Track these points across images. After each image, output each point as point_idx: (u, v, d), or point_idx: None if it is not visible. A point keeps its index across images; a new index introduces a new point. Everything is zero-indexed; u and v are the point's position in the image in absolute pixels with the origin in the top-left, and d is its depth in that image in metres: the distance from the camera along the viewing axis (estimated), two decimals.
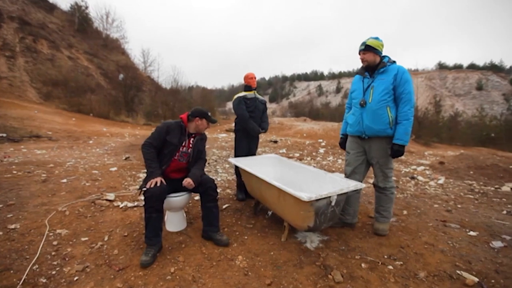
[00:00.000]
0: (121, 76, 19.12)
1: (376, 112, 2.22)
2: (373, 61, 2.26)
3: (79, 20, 21.57)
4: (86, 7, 22.55)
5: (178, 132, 2.25)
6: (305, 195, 1.81)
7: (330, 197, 1.94)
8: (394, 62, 2.29)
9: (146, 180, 2.09)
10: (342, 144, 2.67)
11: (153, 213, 1.98)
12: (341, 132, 2.69)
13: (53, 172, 4.01)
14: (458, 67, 73.17)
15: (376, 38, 2.25)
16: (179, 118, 2.35)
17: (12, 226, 2.26)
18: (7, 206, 2.66)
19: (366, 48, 2.24)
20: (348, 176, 2.49)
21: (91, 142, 8.09)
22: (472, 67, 70.97)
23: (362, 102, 2.31)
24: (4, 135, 7.32)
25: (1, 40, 15.42)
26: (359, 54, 2.30)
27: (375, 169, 2.39)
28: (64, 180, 3.61)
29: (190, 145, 2.33)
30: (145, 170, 2.20)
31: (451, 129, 19.54)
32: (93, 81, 18.22)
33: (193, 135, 2.36)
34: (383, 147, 2.28)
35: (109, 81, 19.48)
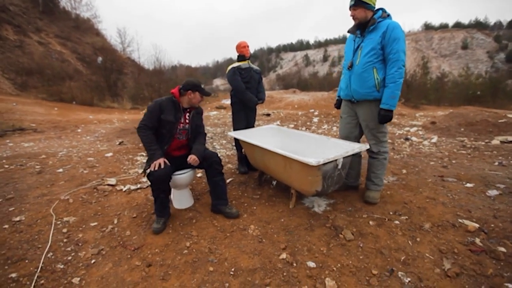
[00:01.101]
0: (99, 59, 18.07)
1: (361, 75, 2.12)
2: (365, 18, 2.07)
3: (43, 0, 19.73)
4: None
5: (172, 109, 2.13)
6: (313, 160, 1.81)
7: (336, 160, 1.96)
8: (388, 16, 2.09)
9: (148, 162, 2.04)
10: (337, 106, 2.60)
11: (160, 194, 2.03)
12: (337, 94, 2.58)
13: (47, 163, 3.88)
14: (443, 27, 72.43)
15: None
16: (170, 93, 2.20)
17: (17, 219, 2.21)
18: (7, 200, 2.59)
19: (356, 3, 2.04)
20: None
21: (79, 130, 7.81)
22: (458, 25, 70.42)
23: (349, 65, 2.22)
24: None
25: None
26: (350, 10, 2.11)
27: (366, 133, 2.31)
28: (60, 170, 3.51)
29: (187, 121, 2.24)
30: (143, 153, 2.14)
31: (439, 90, 19.77)
32: (70, 66, 17.17)
33: (188, 110, 2.25)
34: (372, 111, 2.17)
35: (87, 65, 18.41)
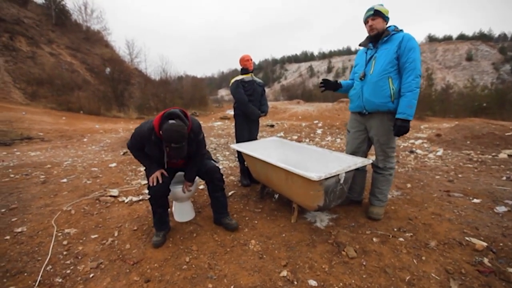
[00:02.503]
0: (107, 70, 18.50)
1: (376, 84, 2.07)
2: (382, 28, 2.08)
3: (56, 13, 20.47)
4: None
5: (155, 143, 1.88)
6: (315, 175, 1.79)
7: (338, 175, 1.94)
8: (401, 30, 2.11)
9: (147, 174, 2.03)
10: (324, 83, 2.39)
11: (158, 209, 2.03)
12: (340, 80, 2.46)
13: (52, 173, 3.92)
14: (448, 39, 72.80)
15: (381, 5, 2.08)
16: (154, 121, 1.87)
17: (19, 230, 2.21)
18: (10, 210, 2.61)
19: (376, 13, 2.05)
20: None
21: (85, 140, 7.92)
22: (462, 37, 70.69)
23: (362, 75, 2.19)
24: None
25: None
26: (367, 22, 2.11)
27: (376, 148, 2.25)
28: (64, 180, 3.54)
29: None
30: None
31: (444, 101, 19.67)
32: (79, 77, 17.61)
33: None
34: (385, 124, 2.12)
35: (95, 76, 18.85)
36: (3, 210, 2.60)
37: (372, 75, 2.10)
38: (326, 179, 1.86)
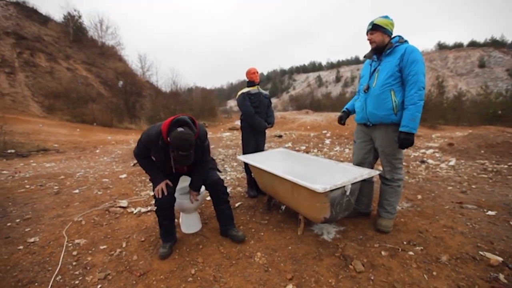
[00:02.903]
0: (120, 83, 19.18)
1: (378, 96, 2.08)
2: (382, 42, 2.08)
3: (74, 30, 21.58)
4: (79, 17, 22.51)
5: (161, 148, 1.89)
6: (320, 187, 1.79)
7: (344, 186, 1.92)
8: (406, 41, 2.10)
9: (153, 186, 2.06)
10: (340, 118, 2.55)
11: (165, 221, 2.05)
12: (343, 108, 2.56)
13: (65, 184, 4.04)
14: (458, 46, 71.80)
15: (386, 17, 2.10)
16: (162, 126, 1.87)
17: (32, 240, 2.28)
18: (24, 220, 2.70)
19: (374, 28, 2.08)
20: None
21: (97, 151, 8.15)
22: (473, 44, 69.56)
23: (365, 87, 2.21)
24: (13, 151, 7.41)
25: None
26: (367, 34, 2.14)
27: (381, 159, 2.24)
28: (76, 191, 3.64)
29: None
30: None
31: (456, 109, 19.26)
32: (93, 90, 18.30)
33: None
34: (389, 135, 2.11)
35: (109, 89, 19.55)
36: (17, 221, 2.69)
37: (375, 88, 2.11)
38: (331, 191, 1.85)
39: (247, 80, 3.17)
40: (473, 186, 3.41)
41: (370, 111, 2.16)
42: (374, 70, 2.18)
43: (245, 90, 3.11)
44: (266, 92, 3.26)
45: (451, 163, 4.72)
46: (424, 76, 1.98)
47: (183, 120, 1.84)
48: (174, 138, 1.73)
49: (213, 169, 2.30)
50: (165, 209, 2.01)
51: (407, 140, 1.97)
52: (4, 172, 5.10)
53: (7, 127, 8.74)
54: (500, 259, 1.77)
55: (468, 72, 60.20)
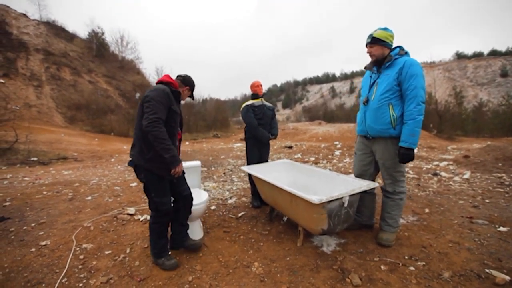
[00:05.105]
0: (137, 95, 20.03)
1: (376, 110, 2.08)
2: (382, 55, 2.09)
3: (97, 46, 22.98)
4: (103, 33, 24.01)
5: (175, 99, 2.01)
6: (315, 198, 1.80)
7: (342, 198, 1.92)
8: (406, 53, 2.09)
9: (154, 186, 1.95)
10: None
11: (165, 230, 2.08)
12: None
13: (79, 191, 4.24)
14: (478, 55, 69.51)
15: (385, 29, 2.10)
16: (166, 82, 1.99)
17: (43, 243, 2.42)
18: (39, 225, 2.85)
19: (373, 41, 2.08)
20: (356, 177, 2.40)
21: (112, 160, 8.48)
22: (494, 53, 67.17)
23: (365, 100, 2.22)
24: (36, 159, 7.86)
25: (29, 71, 16.75)
26: (366, 47, 2.15)
27: (382, 172, 2.21)
28: (89, 198, 3.81)
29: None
30: None
31: (477, 120, 18.48)
32: (112, 102, 19.20)
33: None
34: (388, 148, 2.10)
35: (126, 100, 20.44)
36: (33, 224, 2.86)
37: (373, 101, 2.12)
38: (328, 202, 1.86)
39: (251, 92, 3.26)
40: (487, 201, 3.27)
41: (368, 125, 2.17)
42: (374, 82, 2.19)
43: (249, 102, 3.20)
44: (270, 104, 3.34)
45: (466, 176, 4.54)
46: (424, 90, 1.97)
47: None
48: (189, 77, 2.16)
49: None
50: (170, 213, 2.06)
51: (407, 156, 1.96)
52: (26, 178, 5.42)
53: (32, 137, 9.32)
54: (508, 277, 1.69)
55: (489, 82, 57.93)
